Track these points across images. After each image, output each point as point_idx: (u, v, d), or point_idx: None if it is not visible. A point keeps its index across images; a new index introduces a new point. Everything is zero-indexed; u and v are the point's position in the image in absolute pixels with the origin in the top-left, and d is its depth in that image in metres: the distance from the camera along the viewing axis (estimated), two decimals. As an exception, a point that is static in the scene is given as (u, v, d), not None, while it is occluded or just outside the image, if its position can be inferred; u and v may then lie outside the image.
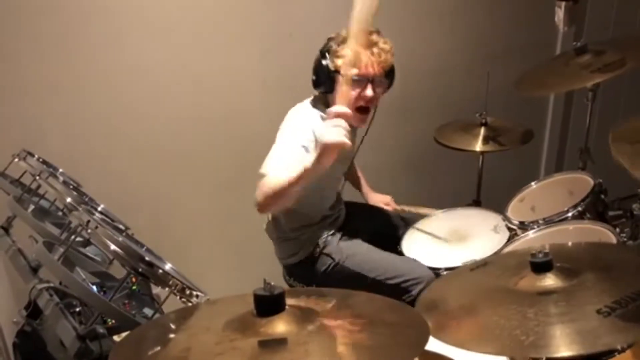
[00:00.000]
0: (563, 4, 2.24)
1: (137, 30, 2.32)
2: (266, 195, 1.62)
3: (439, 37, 2.87)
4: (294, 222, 2.05)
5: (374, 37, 1.88)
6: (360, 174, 2.47)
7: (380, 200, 2.45)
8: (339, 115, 1.47)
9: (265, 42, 2.52)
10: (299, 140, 1.76)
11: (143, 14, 2.31)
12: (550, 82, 2.34)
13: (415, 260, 2.02)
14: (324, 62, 1.89)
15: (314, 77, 1.93)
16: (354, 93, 1.86)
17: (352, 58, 1.72)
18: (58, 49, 2.22)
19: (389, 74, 1.95)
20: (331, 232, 2.10)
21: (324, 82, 1.90)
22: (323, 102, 1.96)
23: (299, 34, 2.51)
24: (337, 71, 1.85)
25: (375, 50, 1.87)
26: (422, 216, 2.29)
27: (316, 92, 2.00)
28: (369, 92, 1.88)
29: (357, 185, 2.48)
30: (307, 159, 1.55)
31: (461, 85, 2.91)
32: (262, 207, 1.67)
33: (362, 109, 1.92)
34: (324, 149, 1.48)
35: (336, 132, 1.45)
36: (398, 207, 2.38)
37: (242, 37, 2.48)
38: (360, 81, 1.87)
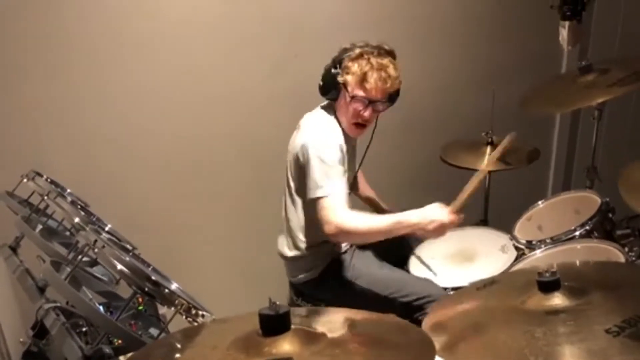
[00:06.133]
0: (567, 23, 2.25)
1: (146, 49, 2.35)
2: (354, 232, 1.83)
3: (444, 56, 2.89)
4: (312, 238, 2.04)
5: (386, 60, 1.91)
6: (374, 195, 2.41)
7: None
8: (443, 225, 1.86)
9: (272, 62, 2.55)
10: (337, 158, 1.88)
11: (153, 33, 2.34)
12: (557, 101, 2.33)
13: (427, 279, 2.00)
14: (333, 71, 1.94)
15: (321, 84, 1.98)
16: (353, 109, 1.92)
17: (358, 78, 1.86)
18: (65, 68, 2.25)
19: (392, 96, 1.97)
20: (344, 250, 2.10)
21: (331, 91, 1.97)
22: (333, 108, 2.02)
23: (303, 55, 2.55)
24: (344, 85, 1.92)
25: (382, 74, 1.89)
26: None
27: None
28: (366, 113, 1.93)
29: (375, 207, 2.38)
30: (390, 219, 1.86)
31: (467, 103, 2.92)
32: (338, 236, 1.85)
33: (359, 125, 1.97)
34: (422, 233, 1.89)
35: (436, 234, 1.89)
36: None
37: (251, 58, 2.51)
38: (362, 101, 1.91)
